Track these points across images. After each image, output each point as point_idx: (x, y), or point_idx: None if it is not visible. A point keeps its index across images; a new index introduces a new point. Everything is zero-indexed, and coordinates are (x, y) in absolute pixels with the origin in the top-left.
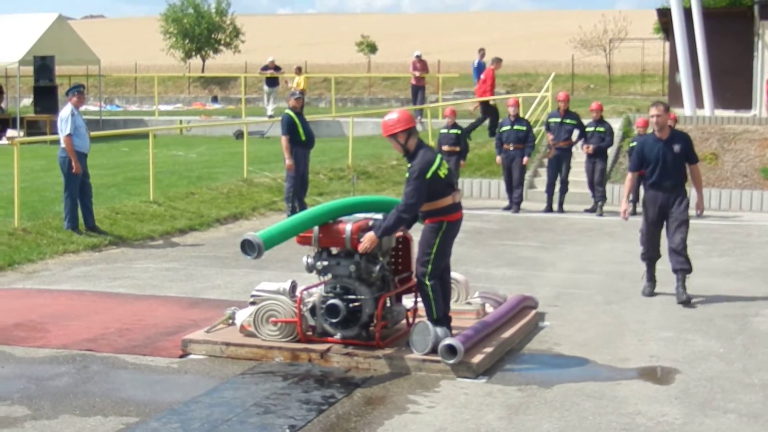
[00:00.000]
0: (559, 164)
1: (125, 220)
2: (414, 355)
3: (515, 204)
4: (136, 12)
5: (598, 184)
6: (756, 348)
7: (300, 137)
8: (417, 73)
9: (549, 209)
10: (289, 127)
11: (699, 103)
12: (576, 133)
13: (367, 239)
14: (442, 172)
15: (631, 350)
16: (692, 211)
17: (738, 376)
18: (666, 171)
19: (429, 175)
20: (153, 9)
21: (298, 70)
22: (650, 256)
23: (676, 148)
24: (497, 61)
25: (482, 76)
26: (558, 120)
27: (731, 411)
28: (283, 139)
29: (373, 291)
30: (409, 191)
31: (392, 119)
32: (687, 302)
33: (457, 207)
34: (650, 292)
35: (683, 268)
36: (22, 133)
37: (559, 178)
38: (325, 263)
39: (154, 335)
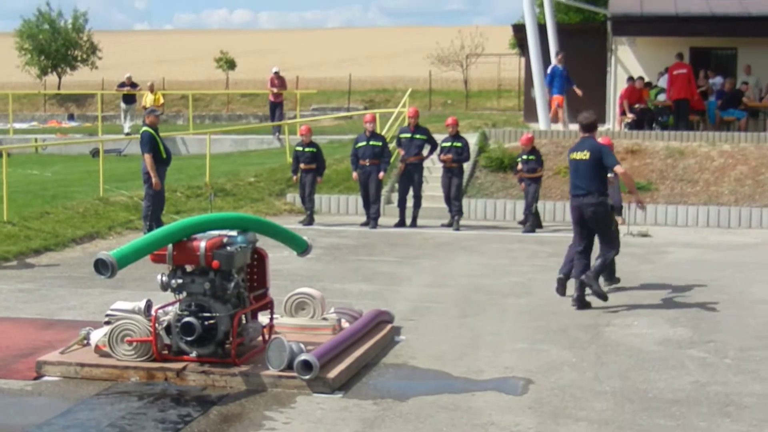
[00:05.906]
0: (411, 179)
1: None
2: (270, 372)
3: (372, 220)
4: None
5: (454, 198)
6: (607, 356)
7: (161, 154)
8: (275, 90)
9: (402, 223)
10: (152, 145)
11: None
12: (427, 148)
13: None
14: None
15: (486, 362)
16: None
17: (590, 385)
18: None
19: None
20: (8, 25)
21: (151, 88)
22: None
23: None
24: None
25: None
26: (408, 135)
27: (583, 419)
28: (147, 157)
29: (228, 308)
30: None
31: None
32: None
33: None
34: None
35: None
36: None
37: (411, 193)
38: (180, 281)
39: (7, 357)
